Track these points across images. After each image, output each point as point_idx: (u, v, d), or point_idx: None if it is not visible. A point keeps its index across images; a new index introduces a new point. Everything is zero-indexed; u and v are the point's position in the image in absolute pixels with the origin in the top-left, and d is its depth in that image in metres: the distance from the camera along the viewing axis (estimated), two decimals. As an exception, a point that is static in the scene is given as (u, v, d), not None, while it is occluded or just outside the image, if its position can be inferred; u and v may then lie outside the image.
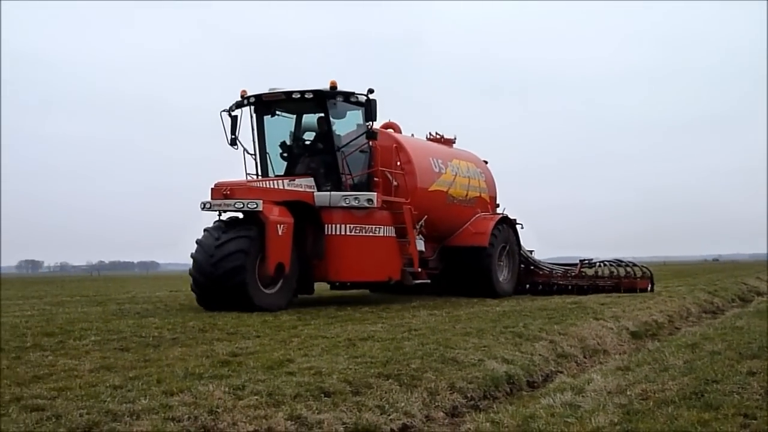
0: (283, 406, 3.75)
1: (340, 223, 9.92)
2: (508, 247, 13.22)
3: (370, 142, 10.67)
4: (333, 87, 10.06)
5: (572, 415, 3.79)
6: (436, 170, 12.19)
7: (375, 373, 4.64)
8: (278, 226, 9.01)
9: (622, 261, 14.55)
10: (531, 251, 14.69)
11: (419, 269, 11.04)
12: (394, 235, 10.54)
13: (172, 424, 3.37)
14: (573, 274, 14.13)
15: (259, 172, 10.91)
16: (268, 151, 10.89)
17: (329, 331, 7.08)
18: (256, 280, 8.94)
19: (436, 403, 4.41)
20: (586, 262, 14.81)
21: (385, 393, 4.26)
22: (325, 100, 10.16)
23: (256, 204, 9.02)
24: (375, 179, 10.75)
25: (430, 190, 11.87)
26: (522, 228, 14.20)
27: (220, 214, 9.70)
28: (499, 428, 3.72)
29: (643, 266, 14.43)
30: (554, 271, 14.47)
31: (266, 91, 10.51)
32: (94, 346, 5.84)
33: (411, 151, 11.70)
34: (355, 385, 4.31)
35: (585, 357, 6.91)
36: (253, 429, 3.48)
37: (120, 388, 3.95)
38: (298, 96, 10.09)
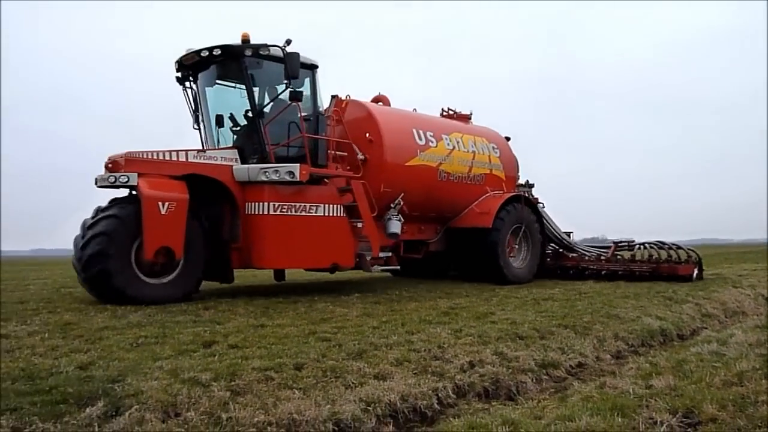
0: (489, 344, 5.07)
1: (261, 200, 8.07)
2: (523, 229, 11.47)
3: (321, 109, 9.07)
4: (245, 40, 8.32)
5: (719, 361, 4.66)
6: (421, 142, 10.36)
7: (556, 324, 5.97)
8: (159, 203, 7.20)
9: (664, 243, 12.30)
10: (569, 233, 13.26)
11: (382, 255, 9.28)
12: (345, 214, 8.67)
13: (414, 353, 4.74)
14: (605, 257, 12.44)
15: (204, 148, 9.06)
16: (204, 123, 9.24)
17: (519, 293, 8.87)
18: (133, 267, 7.26)
19: (604, 348, 5.52)
20: (624, 244, 12.95)
21: (564, 339, 5.47)
22: (237, 57, 8.38)
23: (128, 177, 7.41)
24: (337, 153, 9.20)
25: (408, 164, 10.07)
26: (543, 207, 12.60)
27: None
28: (657, 368, 4.62)
29: (690, 249, 12.05)
30: (586, 255, 12.77)
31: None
32: (358, 300, 7.88)
33: (382, 120, 9.87)
34: (541, 332, 5.60)
35: (726, 317, 7.97)
36: (469, 359, 4.83)
37: (377, 328, 5.60)
38: (207, 54, 8.42)
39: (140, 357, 4.32)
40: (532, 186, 13.28)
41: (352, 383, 3.83)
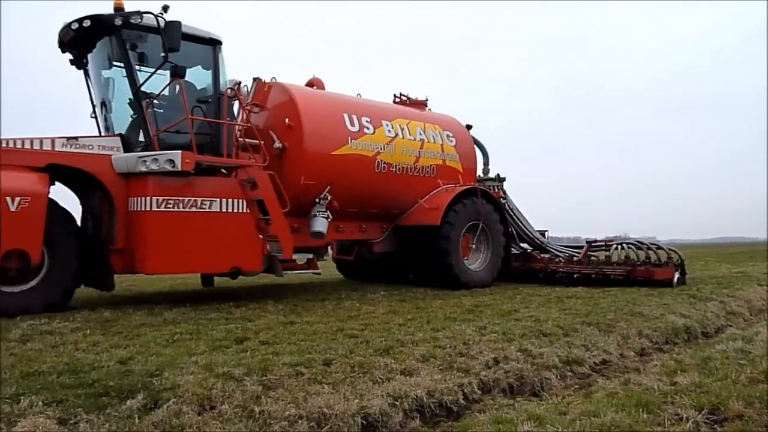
0: (514, 341, 5.09)
1: (145, 195, 6.90)
2: (481, 226, 10.14)
3: (227, 90, 7.92)
4: (117, 8, 7.18)
5: (744, 358, 4.60)
6: (353, 129, 9.04)
7: (579, 321, 5.97)
8: (8, 199, 6.09)
9: (643, 243, 10.79)
10: (543, 231, 12.02)
11: (298, 256, 8.21)
12: (250, 210, 7.48)
13: (439, 350, 4.77)
14: (577, 259, 10.97)
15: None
16: (95, 104, 8.09)
17: (542, 291, 8.87)
18: None
19: (628, 345, 5.49)
20: (601, 243, 11.47)
21: (588, 336, 5.46)
22: (109, 28, 7.18)
23: None
24: (248, 141, 8.10)
25: (336, 153, 8.76)
26: (506, 201, 11.34)
27: None
28: (681, 365, 4.56)
29: (671, 249, 10.59)
30: (556, 257, 11.33)
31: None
32: (384, 298, 8.00)
33: (303, 104, 8.57)
34: (565, 329, 5.60)
35: (751, 315, 7.86)
36: (494, 356, 4.84)
37: (403, 325, 5.67)
38: (77, 27, 7.25)
39: (176, 352, 4.45)
40: (502, 180, 11.94)
41: (380, 378, 3.89)
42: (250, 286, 9.95)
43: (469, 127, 11.48)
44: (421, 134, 10.13)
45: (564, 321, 5.92)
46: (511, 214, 11.58)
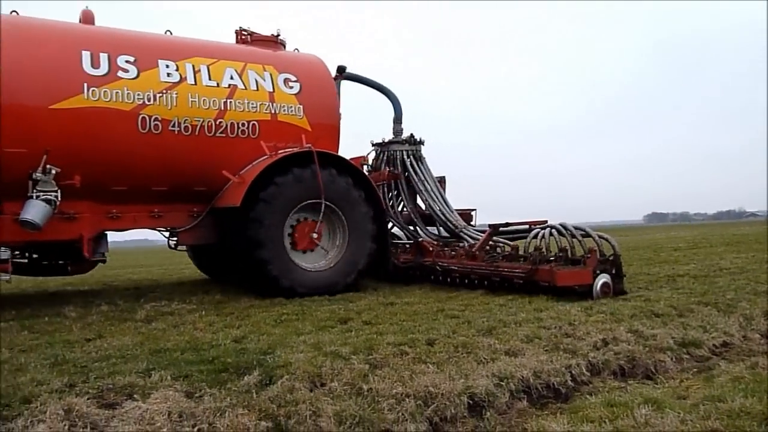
0: (623, 322, 4.83)
1: None
2: (328, 208, 7.23)
3: None
4: None
5: None
6: (95, 72, 6.60)
7: (695, 301, 5.56)
8: None
9: (566, 227, 6.53)
10: (470, 211, 9.38)
11: None
12: None
13: (544, 330, 4.63)
14: (464, 252, 7.55)
15: None
16: None
17: (651, 270, 8.39)
18: None
19: (752, 327, 5.03)
20: (514, 227, 7.77)
21: (705, 316, 5.08)
22: None
23: None
24: None
25: (57, 107, 6.37)
26: (409, 173, 8.84)
27: None
28: None
29: (602, 237, 6.48)
30: (445, 249, 7.97)
31: None
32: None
33: (4, 36, 6.28)
34: (679, 309, 5.24)
35: None
36: (602, 337, 4.61)
37: (504, 305, 5.56)
38: None
39: (285, 332, 4.63)
40: (420, 143, 9.40)
41: (484, 359, 3.83)
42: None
43: (340, 70, 8.77)
44: (232, 78, 7.41)
45: (677, 301, 5.54)
46: (420, 187, 9.04)
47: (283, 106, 7.58)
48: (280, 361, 3.60)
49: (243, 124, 7.30)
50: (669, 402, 3.12)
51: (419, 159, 9.38)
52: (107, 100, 6.60)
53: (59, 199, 6.24)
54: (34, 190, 6.17)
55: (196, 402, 2.96)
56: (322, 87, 8.02)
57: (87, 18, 7.34)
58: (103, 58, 6.72)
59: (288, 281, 6.86)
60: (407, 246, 8.64)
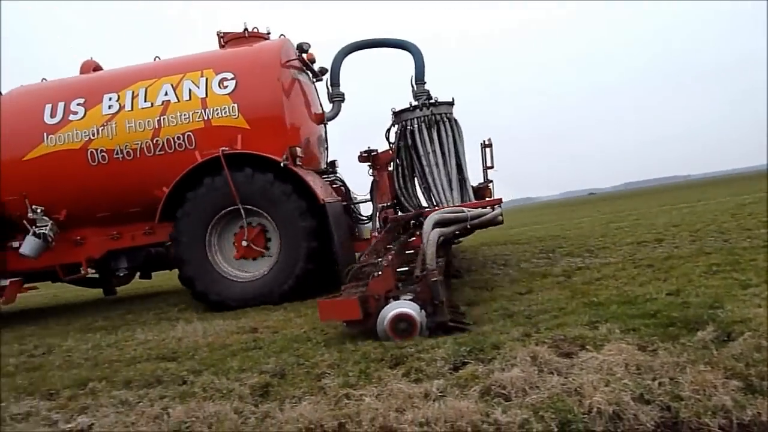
0: None
1: None
2: (248, 212, 6.58)
3: None
4: None
5: None
6: (52, 120, 7.30)
7: None
8: None
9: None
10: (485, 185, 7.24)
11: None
12: None
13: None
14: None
15: None
16: None
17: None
18: None
19: None
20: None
21: None
22: None
23: None
24: None
25: (28, 158, 7.31)
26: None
27: None
28: None
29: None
30: None
31: None
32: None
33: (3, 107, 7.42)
34: None
35: None
36: None
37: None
38: None
39: (724, 284, 4.19)
40: (439, 105, 7.24)
41: None
42: None
43: (302, 49, 7.82)
44: (166, 94, 7.27)
45: None
46: (419, 164, 7.15)
47: (216, 110, 7.21)
48: (735, 317, 3.26)
49: (179, 138, 7.20)
50: None
51: (435, 125, 7.31)
52: (60, 143, 7.35)
53: (56, 229, 7.42)
54: (33, 227, 7.38)
55: (651, 356, 2.92)
56: (262, 77, 7.28)
57: (86, 68, 8.36)
58: (60, 107, 7.46)
59: (215, 295, 6.64)
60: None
